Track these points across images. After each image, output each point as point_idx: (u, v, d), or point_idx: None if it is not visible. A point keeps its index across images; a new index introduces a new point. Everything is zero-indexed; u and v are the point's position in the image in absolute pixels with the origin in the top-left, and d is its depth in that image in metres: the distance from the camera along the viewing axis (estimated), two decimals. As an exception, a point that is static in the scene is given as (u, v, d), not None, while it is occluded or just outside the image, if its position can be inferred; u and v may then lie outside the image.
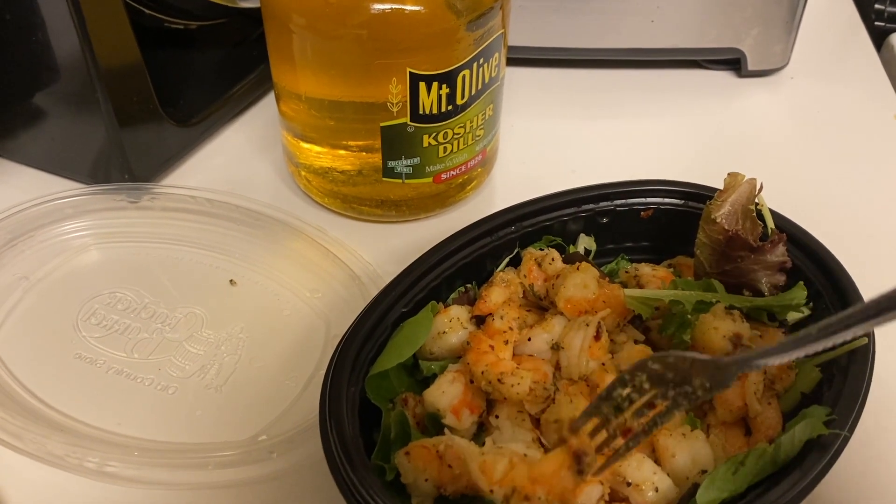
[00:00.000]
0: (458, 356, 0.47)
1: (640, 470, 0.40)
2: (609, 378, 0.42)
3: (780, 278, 0.48)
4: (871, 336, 0.43)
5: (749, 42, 0.77)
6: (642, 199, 0.54)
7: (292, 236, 0.60)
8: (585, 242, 0.54)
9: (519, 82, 0.78)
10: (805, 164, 0.70)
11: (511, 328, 0.46)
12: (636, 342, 0.47)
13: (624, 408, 0.38)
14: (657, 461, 0.41)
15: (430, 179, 0.60)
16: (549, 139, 0.73)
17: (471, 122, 0.58)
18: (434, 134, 0.57)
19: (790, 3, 0.74)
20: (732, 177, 0.49)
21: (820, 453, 0.39)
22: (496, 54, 0.57)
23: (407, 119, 0.55)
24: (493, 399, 0.44)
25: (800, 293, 0.47)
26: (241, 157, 0.69)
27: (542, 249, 0.52)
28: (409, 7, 0.51)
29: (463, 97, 0.56)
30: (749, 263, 0.48)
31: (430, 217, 0.63)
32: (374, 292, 0.48)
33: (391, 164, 0.58)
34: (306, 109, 0.57)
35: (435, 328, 0.47)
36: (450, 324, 0.47)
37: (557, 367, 0.45)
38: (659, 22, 0.74)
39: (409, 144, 0.57)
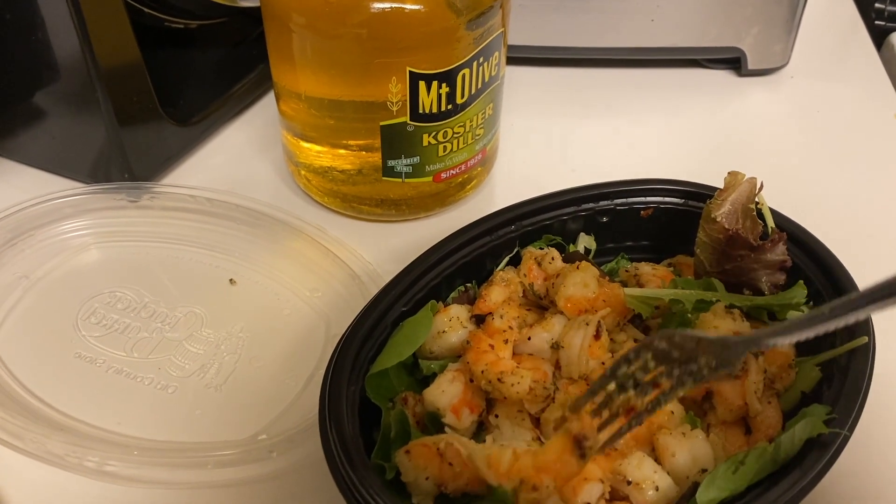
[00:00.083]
0: (457, 355, 0.47)
1: (640, 469, 0.40)
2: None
3: (781, 277, 0.48)
4: (871, 335, 0.43)
5: (749, 41, 0.77)
6: (642, 198, 0.54)
7: (292, 235, 0.60)
8: (585, 241, 0.54)
9: (519, 81, 0.78)
10: (805, 163, 0.70)
11: (511, 327, 0.46)
12: (636, 341, 0.47)
13: (628, 387, 0.37)
14: (657, 460, 0.41)
15: (430, 178, 0.60)
16: (549, 138, 0.73)
17: (471, 122, 0.58)
18: (434, 133, 0.57)
19: (790, 3, 0.74)
20: (732, 176, 0.49)
21: (820, 452, 0.39)
22: (496, 53, 0.57)
23: (407, 118, 0.55)
24: (492, 398, 0.44)
25: (800, 292, 0.47)
26: (241, 156, 0.69)
27: (541, 248, 0.52)
28: (408, 6, 0.51)
29: (463, 96, 0.56)
30: (749, 262, 0.48)
31: (430, 216, 0.63)
32: (374, 291, 0.48)
33: (391, 163, 0.58)
34: (306, 109, 0.57)
35: (435, 327, 0.47)
36: (450, 323, 0.47)
37: (557, 366, 0.45)
38: (659, 21, 0.74)
39: (409, 143, 0.57)
